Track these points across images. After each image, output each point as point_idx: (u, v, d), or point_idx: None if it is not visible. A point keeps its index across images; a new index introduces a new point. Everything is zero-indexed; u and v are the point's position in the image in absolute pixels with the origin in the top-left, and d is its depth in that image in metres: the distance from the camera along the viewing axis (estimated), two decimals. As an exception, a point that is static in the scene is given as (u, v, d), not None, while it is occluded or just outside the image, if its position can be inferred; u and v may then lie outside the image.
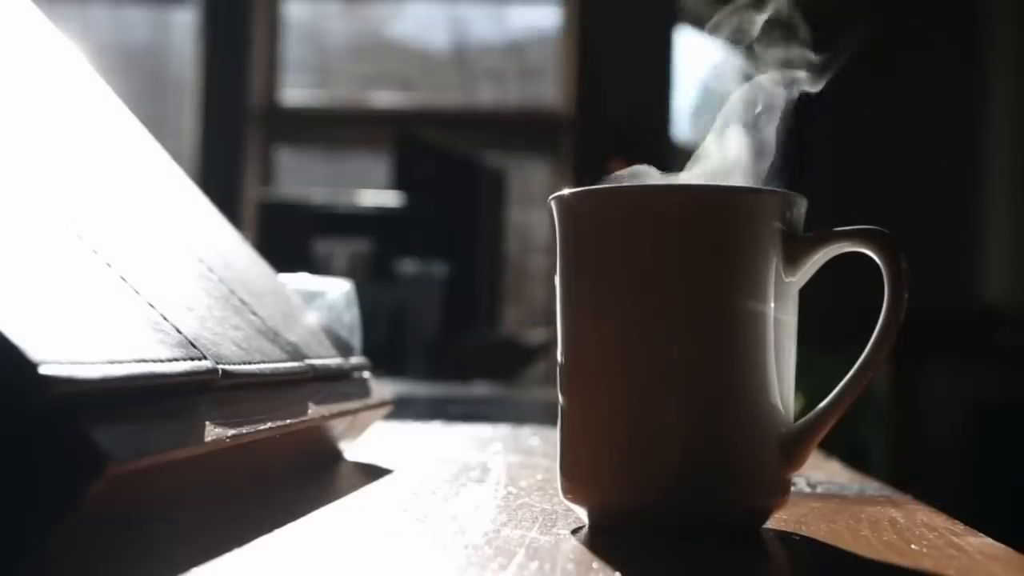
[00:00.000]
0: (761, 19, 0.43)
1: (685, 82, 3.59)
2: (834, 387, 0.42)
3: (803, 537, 0.41)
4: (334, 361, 0.61)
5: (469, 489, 0.51)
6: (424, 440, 0.76)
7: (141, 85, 3.50)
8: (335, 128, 3.58)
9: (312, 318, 0.65)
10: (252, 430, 0.42)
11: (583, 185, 0.43)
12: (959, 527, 0.44)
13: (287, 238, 2.52)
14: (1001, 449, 2.99)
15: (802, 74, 0.44)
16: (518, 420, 0.93)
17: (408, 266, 2.38)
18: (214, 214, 0.65)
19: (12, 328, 0.29)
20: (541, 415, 1.07)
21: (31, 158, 0.43)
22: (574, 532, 0.41)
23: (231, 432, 0.40)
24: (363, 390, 0.64)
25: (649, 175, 0.44)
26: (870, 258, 0.41)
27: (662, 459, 0.40)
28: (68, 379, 0.30)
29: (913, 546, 0.39)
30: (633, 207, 0.41)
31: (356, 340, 0.68)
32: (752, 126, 0.44)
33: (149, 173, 0.60)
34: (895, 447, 3.05)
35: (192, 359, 0.39)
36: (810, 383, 0.58)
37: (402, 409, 0.85)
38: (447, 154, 2.83)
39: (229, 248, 0.62)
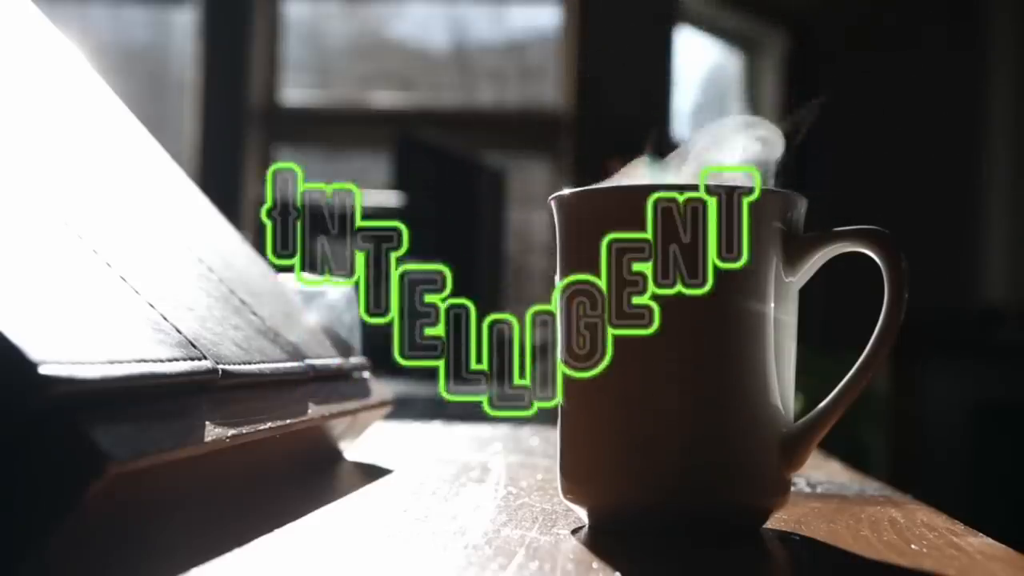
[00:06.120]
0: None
1: (685, 82, 3.60)
2: (834, 387, 0.42)
3: (803, 537, 0.41)
4: (334, 361, 0.61)
5: (469, 489, 0.51)
6: (424, 440, 0.76)
7: (141, 85, 3.50)
8: (335, 128, 3.58)
9: (312, 318, 0.65)
10: (252, 430, 0.42)
11: (583, 185, 0.43)
12: (959, 527, 0.44)
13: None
14: (1001, 449, 2.99)
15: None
16: (518, 420, 0.93)
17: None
18: (214, 214, 0.65)
19: (12, 328, 0.29)
20: (541, 415, 1.07)
21: (31, 158, 0.43)
22: (574, 532, 0.41)
23: (231, 432, 0.40)
24: (363, 390, 0.64)
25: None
26: (870, 258, 0.41)
27: (662, 459, 0.40)
28: (68, 379, 0.30)
29: (913, 546, 0.39)
30: (633, 207, 0.41)
31: (356, 340, 0.68)
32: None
33: (149, 173, 0.60)
34: (895, 447, 3.05)
35: (192, 359, 0.39)
36: (810, 383, 0.58)
37: (402, 409, 0.85)
38: (447, 154, 2.83)
39: (229, 248, 0.62)
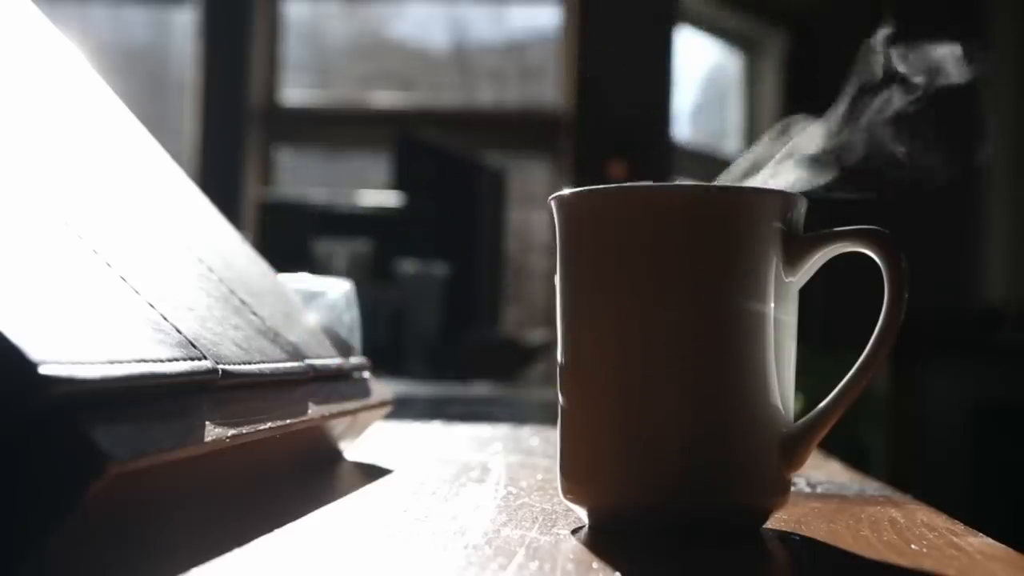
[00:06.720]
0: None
1: (685, 82, 3.60)
2: (834, 387, 0.42)
3: (803, 537, 0.41)
4: (334, 361, 0.61)
5: (469, 489, 0.51)
6: (424, 440, 0.76)
7: (141, 85, 3.50)
8: (335, 128, 3.58)
9: (312, 318, 0.65)
10: (252, 430, 0.42)
11: (583, 185, 0.43)
12: (959, 527, 0.44)
13: (287, 238, 2.52)
14: (1001, 449, 2.99)
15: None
16: (518, 420, 0.93)
17: (408, 266, 2.38)
18: (214, 214, 0.65)
19: (12, 328, 0.29)
20: (541, 415, 1.07)
21: (31, 158, 0.43)
22: (574, 532, 0.41)
23: (231, 432, 0.40)
24: (363, 390, 0.64)
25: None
26: (870, 258, 0.41)
27: (662, 459, 0.40)
28: (68, 379, 0.30)
29: (913, 546, 0.39)
30: (633, 207, 0.41)
31: (356, 340, 0.68)
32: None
33: (149, 173, 0.60)
34: (895, 447, 3.05)
35: (192, 359, 0.39)
36: (810, 383, 0.58)
37: (402, 409, 0.85)
38: (447, 154, 2.83)
39: (229, 248, 0.62)
